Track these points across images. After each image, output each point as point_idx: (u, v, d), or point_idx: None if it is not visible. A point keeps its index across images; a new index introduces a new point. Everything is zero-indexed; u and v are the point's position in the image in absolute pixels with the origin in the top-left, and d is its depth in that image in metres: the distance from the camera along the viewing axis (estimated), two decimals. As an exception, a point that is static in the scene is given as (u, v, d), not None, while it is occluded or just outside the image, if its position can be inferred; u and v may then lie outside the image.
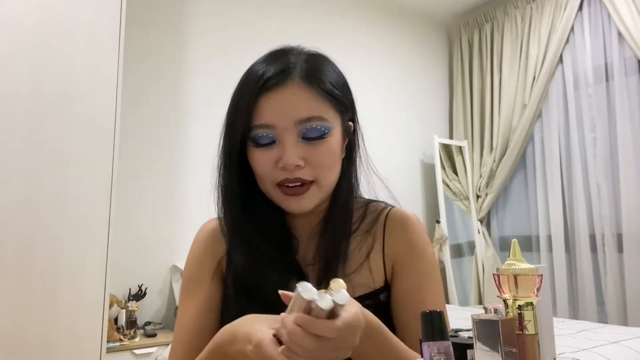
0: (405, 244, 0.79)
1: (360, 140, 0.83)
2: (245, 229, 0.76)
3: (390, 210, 0.83)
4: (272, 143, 0.72)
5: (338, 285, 0.54)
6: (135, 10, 2.41)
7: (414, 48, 3.87)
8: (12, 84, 1.65)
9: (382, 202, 0.86)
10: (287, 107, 0.71)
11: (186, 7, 2.82)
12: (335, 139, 0.74)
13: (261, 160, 0.73)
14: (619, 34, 2.99)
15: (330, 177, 0.75)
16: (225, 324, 0.77)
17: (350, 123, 0.81)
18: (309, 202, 0.74)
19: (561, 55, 3.29)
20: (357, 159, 0.82)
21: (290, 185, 0.72)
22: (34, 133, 1.68)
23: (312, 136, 0.71)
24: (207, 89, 2.80)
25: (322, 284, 0.75)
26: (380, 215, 0.82)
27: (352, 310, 0.54)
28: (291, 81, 0.72)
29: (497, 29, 3.72)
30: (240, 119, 0.73)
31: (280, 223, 0.80)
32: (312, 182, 0.73)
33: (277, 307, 0.63)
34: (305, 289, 0.51)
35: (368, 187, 0.84)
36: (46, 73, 1.72)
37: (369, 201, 0.85)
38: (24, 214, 1.64)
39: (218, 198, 0.80)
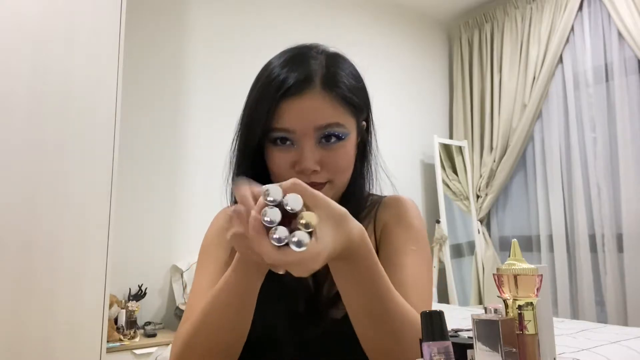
0: (393, 216, 0.82)
1: (373, 139, 0.85)
2: None
3: (383, 198, 0.87)
4: (289, 145, 0.74)
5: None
6: (135, 10, 2.41)
7: (414, 48, 3.87)
8: (12, 84, 1.65)
9: (378, 195, 0.89)
10: (307, 113, 0.73)
11: (186, 6, 2.82)
12: (351, 143, 0.77)
13: (278, 161, 0.74)
14: (619, 34, 2.99)
15: (344, 178, 0.77)
16: None
17: (364, 123, 0.82)
18: None
19: (561, 55, 3.30)
20: (370, 157, 0.85)
21: None
22: (34, 132, 1.68)
23: (330, 141, 0.74)
24: (208, 89, 2.80)
25: (328, 279, 0.76)
26: (377, 203, 0.86)
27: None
28: (312, 88, 0.73)
29: (497, 29, 3.72)
30: (260, 120, 0.74)
31: None
32: (326, 183, 0.75)
33: (291, 284, 0.64)
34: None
35: (376, 184, 0.86)
36: (46, 72, 1.72)
37: (370, 194, 0.87)
38: (24, 214, 1.64)
39: (233, 195, 0.80)
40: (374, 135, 0.85)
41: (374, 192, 0.87)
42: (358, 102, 0.78)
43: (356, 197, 0.81)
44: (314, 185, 0.73)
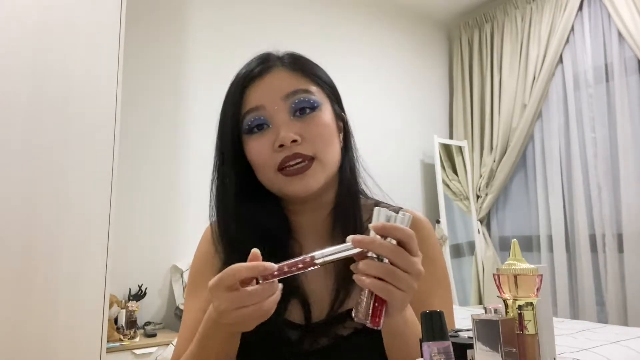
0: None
1: (352, 138, 0.82)
2: (237, 231, 0.74)
3: (398, 212, 0.81)
4: (264, 126, 0.72)
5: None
6: (135, 10, 2.41)
7: (414, 48, 3.87)
8: (12, 84, 1.65)
9: (390, 204, 0.84)
10: (272, 86, 0.73)
11: (186, 6, 2.82)
12: (327, 115, 0.75)
13: (257, 148, 0.72)
14: (619, 34, 2.99)
15: (330, 152, 0.73)
16: None
17: (344, 115, 0.81)
18: (313, 180, 0.71)
19: (561, 55, 3.30)
20: (353, 148, 0.82)
21: (291, 164, 0.71)
22: (34, 133, 1.68)
23: (302, 107, 0.72)
24: (208, 89, 2.80)
25: (338, 282, 0.73)
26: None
27: None
28: (275, 68, 0.74)
29: (497, 29, 3.72)
30: (230, 112, 0.74)
31: (283, 225, 0.78)
32: (312, 158, 0.71)
33: (278, 310, 0.62)
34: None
35: (365, 185, 0.83)
36: (46, 73, 1.72)
37: (378, 202, 0.83)
38: (24, 214, 1.64)
39: (217, 202, 0.78)
40: (353, 137, 0.82)
41: (368, 194, 0.83)
42: (325, 79, 0.78)
43: (347, 188, 0.78)
44: (299, 157, 0.70)
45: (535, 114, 3.39)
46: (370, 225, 0.54)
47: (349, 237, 0.55)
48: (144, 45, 2.61)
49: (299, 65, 0.76)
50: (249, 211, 0.76)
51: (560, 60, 3.31)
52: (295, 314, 0.73)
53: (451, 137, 3.94)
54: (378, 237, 0.53)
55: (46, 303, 1.64)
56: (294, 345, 0.71)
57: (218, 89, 2.92)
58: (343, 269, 0.73)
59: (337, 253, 0.55)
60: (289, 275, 0.55)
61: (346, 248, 0.55)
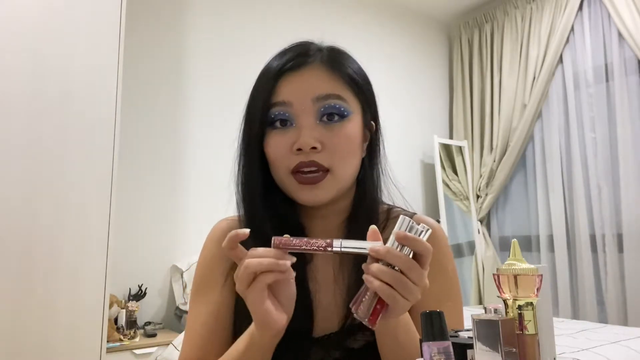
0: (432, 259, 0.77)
1: (381, 145, 0.79)
2: (262, 223, 0.72)
3: (412, 217, 0.79)
4: (288, 123, 0.70)
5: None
6: (135, 10, 2.41)
7: (414, 48, 3.87)
8: (12, 84, 1.65)
9: (402, 208, 0.83)
10: (304, 84, 0.70)
11: (186, 6, 2.82)
12: (355, 126, 0.71)
13: (276, 144, 0.70)
14: (619, 34, 2.99)
15: (346, 166, 0.71)
16: (239, 332, 0.73)
17: (373, 123, 0.78)
18: (323, 192, 0.70)
19: (561, 55, 3.30)
20: (379, 160, 0.79)
21: (305, 170, 0.69)
22: (34, 133, 1.68)
23: (330, 113, 0.69)
24: (208, 89, 2.80)
25: (351, 294, 0.70)
26: None
27: None
28: (311, 64, 0.71)
29: (497, 29, 3.72)
30: (259, 102, 0.71)
31: (296, 224, 0.76)
32: (327, 170, 0.69)
33: (317, 309, 0.62)
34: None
35: (388, 194, 0.81)
36: (46, 73, 1.72)
37: (391, 207, 0.82)
38: (24, 214, 1.64)
39: (236, 190, 0.76)
40: (382, 141, 0.80)
41: (389, 202, 0.81)
42: (362, 85, 0.74)
43: (366, 200, 0.76)
44: (315, 166, 0.68)
45: (535, 114, 3.39)
46: (394, 232, 0.54)
47: (371, 228, 0.57)
48: (144, 45, 2.61)
49: (338, 65, 0.72)
50: (262, 206, 0.74)
51: (560, 60, 3.31)
52: (306, 325, 0.72)
53: (451, 137, 3.94)
54: (394, 246, 0.54)
55: (46, 303, 1.64)
56: (306, 357, 0.70)
57: (218, 88, 2.92)
58: (356, 282, 0.71)
59: (353, 248, 0.56)
60: (300, 251, 0.57)
61: (363, 246, 0.55)
